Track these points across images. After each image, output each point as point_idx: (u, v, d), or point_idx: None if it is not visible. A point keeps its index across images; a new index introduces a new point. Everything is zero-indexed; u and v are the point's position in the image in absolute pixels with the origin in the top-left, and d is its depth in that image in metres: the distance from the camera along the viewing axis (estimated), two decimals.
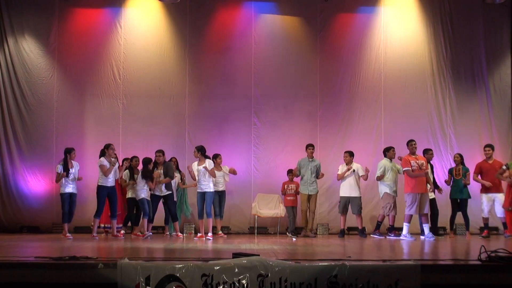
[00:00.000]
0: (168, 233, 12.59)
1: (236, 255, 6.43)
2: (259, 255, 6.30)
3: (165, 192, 12.09)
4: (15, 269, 6.09)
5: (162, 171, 11.98)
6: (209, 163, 11.66)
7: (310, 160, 12.78)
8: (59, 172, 11.65)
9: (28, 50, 14.01)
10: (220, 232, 12.42)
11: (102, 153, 11.80)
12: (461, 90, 14.26)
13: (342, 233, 12.61)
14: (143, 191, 11.94)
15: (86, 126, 14.03)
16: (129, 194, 12.24)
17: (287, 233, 12.89)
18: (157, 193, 12.05)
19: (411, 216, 11.47)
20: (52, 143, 13.83)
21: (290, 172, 13.11)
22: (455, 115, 14.18)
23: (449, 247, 9.59)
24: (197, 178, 11.77)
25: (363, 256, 7.79)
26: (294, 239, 11.77)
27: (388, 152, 12.47)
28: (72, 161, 11.84)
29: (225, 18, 14.38)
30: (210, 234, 11.71)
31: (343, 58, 14.32)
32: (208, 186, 11.71)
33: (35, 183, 13.82)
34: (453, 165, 12.90)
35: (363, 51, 14.32)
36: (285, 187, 13.05)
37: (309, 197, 12.72)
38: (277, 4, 14.32)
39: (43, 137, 13.90)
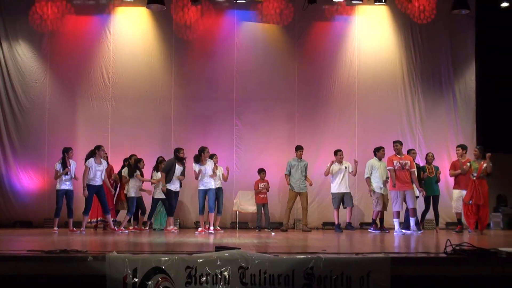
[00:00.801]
0: (147, 227, 12.64)
1: (219, 248, 6.43)
2: (240, 248, 6.31)
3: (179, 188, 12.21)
4: (7, 262, 6.04)
5: (182, 168, 12.11)
6: (211, 164, 11.83)
7: (299, 160, 12.86)
8: (58, 170, 11.71)
9: (22, 54, 13.89)
10: (218, 227, 12.46)
11: (92, 154, 11.73)
12: (429, 94, 14.36)
13: (339, 227, 12.56)
14: (132, 189, 12.14)
15: (76, 127, 13.93)
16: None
17: (256, 229, 12.95)
18: (173, 189, 12.04)
19: (398, 212, 11.51)
20: (44, 142, 13.72)
21: (261, 171, 13.15)
22: (423, 117, 14.29)
23: (419, 241, 9.65)
24: (199, 177, 11.83)
25: (338, 249, 7.83)
26: (273, 233, 11.79)
27: (378, 152, 12.51)
28: (70, 160, 11.85)
29: (209, 25, 14.34)
30: (212, 228, 11.73)
31: (319, 63, 14.35)
32: (210, 183, 11.80)
33: (27, 180, 13.71)
34: (421, 164, 12.97)
35: (338, 57, 14.36)
36: (258, 185, 13.08)
37: (298, 195, 12.82)
38: (258, 12, 14.32)
39: (35, 137, 13.79)
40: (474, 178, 11.66)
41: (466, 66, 14.48)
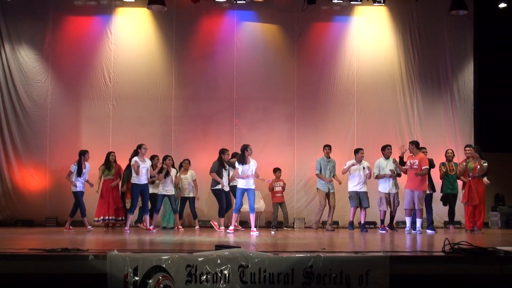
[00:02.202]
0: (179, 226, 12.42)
1: (219, 247, 6.43)
2: (240, 247, 6.32)
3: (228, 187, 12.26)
4: (10, 261, 6.05)
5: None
6: (254, 163, 11.43)
7: (328, 160, 12.75)
8: (72, 171, 11.93)
9: (24, 55, 13.87)
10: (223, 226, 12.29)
11: (135, 153, 11.75)
12: (428, 94, 14.38)
13: (351, 226, 12.46)
14: (162, 187, 12.22)
15: (78, 127, 13.91)
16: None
17: (274, 228, 12.67)
18: (226, 189, 12.14)
19: (410, 210, 11.50)
20: (46, 142, 13.71)
21: (277, 170, 13.05)
22: (421, 117, 14.30)
23: (418, 240, 9.65)
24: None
25: (337, 248, 7.83)
26: (272, 232, 11.77)
27: (383, 151, 12.44)
28: (85, 163, 11.91)
29: (209, 25, 14.35)
30: (255, 229, 11.33)
31: (318, 63, 14.35)
32: (250, 183, 11.28)
33: (29, 180, 13.69)
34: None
35: (337, 57, 14.36)
36: (274, 184, 12.95)
37: (328, 194, 12.62)
38: (258, 13, 14.31)
39: (37, 136, 13.77)
40: (469, 178, 11.65)
41: (464, 67, 14.51)
